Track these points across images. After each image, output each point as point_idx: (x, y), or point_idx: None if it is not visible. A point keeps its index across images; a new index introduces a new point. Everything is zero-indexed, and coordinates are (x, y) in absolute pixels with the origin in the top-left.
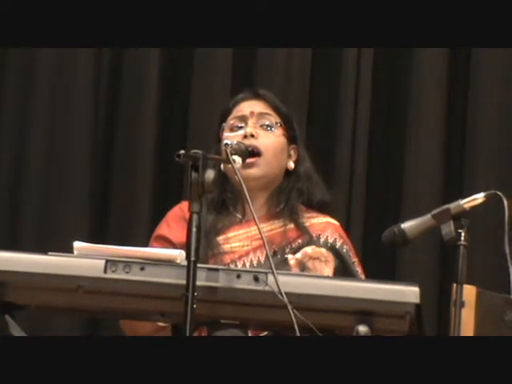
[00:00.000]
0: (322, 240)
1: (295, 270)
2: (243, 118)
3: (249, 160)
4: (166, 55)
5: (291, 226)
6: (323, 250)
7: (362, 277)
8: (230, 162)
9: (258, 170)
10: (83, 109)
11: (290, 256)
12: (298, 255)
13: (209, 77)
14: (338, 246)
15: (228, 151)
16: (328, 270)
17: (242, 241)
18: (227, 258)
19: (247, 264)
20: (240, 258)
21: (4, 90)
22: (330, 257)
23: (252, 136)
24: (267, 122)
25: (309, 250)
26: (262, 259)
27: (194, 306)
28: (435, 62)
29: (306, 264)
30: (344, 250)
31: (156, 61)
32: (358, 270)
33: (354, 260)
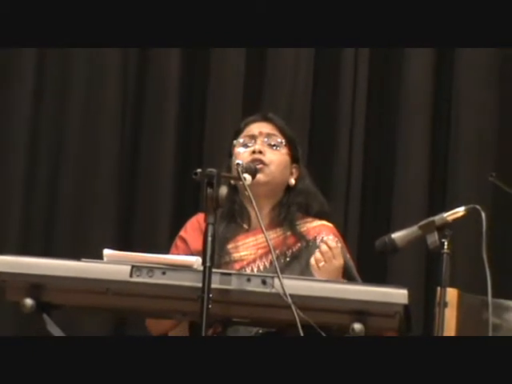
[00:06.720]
0: (318, 241)
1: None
2: (253, 137)
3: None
4: (184, 59)
5: (289, 233)
6: (325, 249)
7: (355, 270)
8: (241, 180)
9: (263, 175)
10: (112, 120)
11: (312, 260)
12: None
13: (223, 79)
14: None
15: (239, 170)
16: (337, 262)
17: (249, 249)
18: (237, 266)
19: (255, 270)
20: (248, 264)
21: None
22: (337, 251)
23: (260, 152)
24: (274, 142)
25: (317, 254)
26: (268, 265)
27: (210, 306)
28: (421, 73)
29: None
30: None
31: (176, 63)
32: (353, 264)
33: (348, 256)
